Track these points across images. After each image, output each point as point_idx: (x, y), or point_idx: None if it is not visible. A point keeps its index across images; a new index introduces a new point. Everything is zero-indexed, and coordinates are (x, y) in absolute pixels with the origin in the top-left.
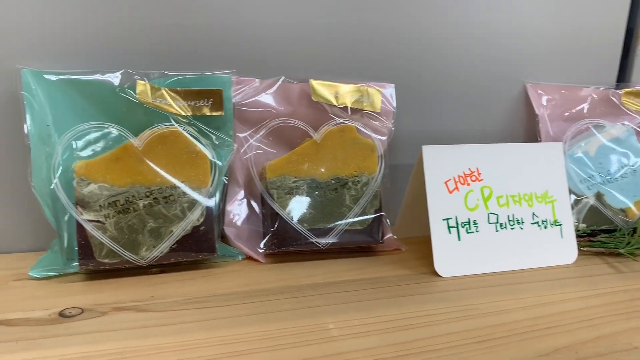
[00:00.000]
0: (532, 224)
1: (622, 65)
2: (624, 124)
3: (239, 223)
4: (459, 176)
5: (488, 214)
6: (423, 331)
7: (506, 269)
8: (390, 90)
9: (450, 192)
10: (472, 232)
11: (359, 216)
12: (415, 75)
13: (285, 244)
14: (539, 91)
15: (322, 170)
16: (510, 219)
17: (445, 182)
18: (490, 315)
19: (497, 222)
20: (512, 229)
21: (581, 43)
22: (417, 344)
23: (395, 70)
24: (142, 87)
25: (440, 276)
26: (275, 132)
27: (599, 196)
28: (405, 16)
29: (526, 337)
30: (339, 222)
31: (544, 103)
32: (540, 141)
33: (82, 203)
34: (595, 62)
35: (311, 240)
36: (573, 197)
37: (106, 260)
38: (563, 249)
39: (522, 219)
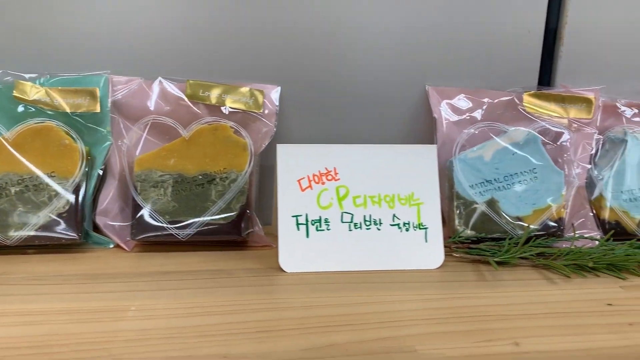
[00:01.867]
0: (392, 225)
1: (546, 67)
2: (525, 129)
3: (111, 213)
4: (314, 175)
5: (342, 213)
6: (228, 317)
7: (358, 269)
8: (275, 92)
9: (303, 190)
10: (323, 230)
11: (223, 211)
12: (310, 77)
13: (143, 234)
14: (439, 94)
15: (190, 165)
16: (367, 219)
17: (298, 180)
18: (307, 309)
19: (350, 222)
20: (367, 229)
21: (497, 45)
22: (213, 329)
23: (287, 72)
24: (22, 86)
25: (285, 271)
26: (156, 128)
27: (492, 203)
28: (299, 15)
29: (316, 331)
30: (202, 216)
31: (443, 106)
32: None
33: None
34: (512, 65)
35: (170, 231)
36: (461, 202)
37: None
38: (427, 253)
39: (380, 220)
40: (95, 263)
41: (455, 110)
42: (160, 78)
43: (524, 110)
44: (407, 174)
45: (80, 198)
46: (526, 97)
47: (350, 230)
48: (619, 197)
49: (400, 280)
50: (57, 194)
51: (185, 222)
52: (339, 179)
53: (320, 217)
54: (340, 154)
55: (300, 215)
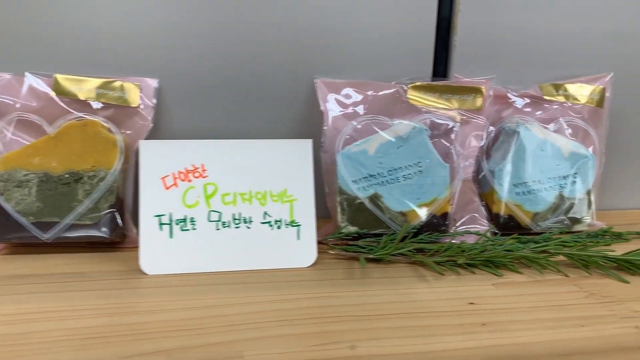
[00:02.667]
0: (263, 223)
1: (441, 57)
2: (410, 122)
3: None
4: (180, 172)
5: (209, 211)
6: (60, 323)
7: (225, 270)
8: (151, 85)
9: (167, 189)
10: (188, 230)
11: (90, 211)
12: (194, 70)
13: (6, 236)
14: (327, 87)
15: (56, 164)
16: (236, 217)
17: (162, 178)
18: (153, 314)
19: (218, 221)
20: (236, 227)
21: (388, 35)
22: (36, 336)
23: (168, 65)
24: None
25: (146, 274)
26: (25, 126)
27: (375, 197)
28: (182, 7)
29: (149, 337)
30: (68, 216)
31: (330, 99)
32: (324, 139)
33: None
34: (405, 56)
35: (33, 233)
36: (343, 197)
37: None
38: (299, 251)
39: (250, 218)
40: None
41: (341, 103)
42: (27, 73)
43: (410, 101)
44: (280, 169)
45: None
46: (410, 90)
47: (217, 229)
48: (512, 191)
49: (265, 280)
50: None
51: (50, 223)
52: (207, 176)
53: (185, 216)
54: (209, 149)
55: (164, 215)
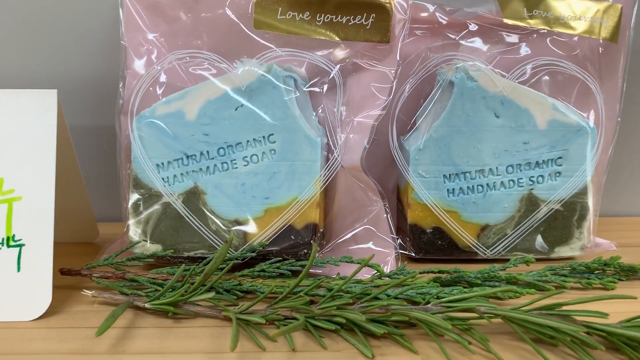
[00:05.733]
0: None
1: None
2: (259, 63)
3: None
4: None
5: None
6: None
7: None
8: None
9: None
10: None
11: None
12: None
13: None
14: (141, 7)
15: None
16: None
17: None
18: None
19: None
20: None
21: None
22: None
23: None
24: None
25: None
26: None
27: (194, 195)
28: None
29: None
30: None
31: (145, 27)
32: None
33: None
34: None
35: None
36: (142, 191)
37: None
38: (20, 291)
39: None
40: None
41: (158, 31)
42: None
43: (258, 27)
44: None
45: None
46: (258, 5)
47: None
48: (442, 187)
49: None
50: None
51: None
52: None
53: None
54: None
55: None
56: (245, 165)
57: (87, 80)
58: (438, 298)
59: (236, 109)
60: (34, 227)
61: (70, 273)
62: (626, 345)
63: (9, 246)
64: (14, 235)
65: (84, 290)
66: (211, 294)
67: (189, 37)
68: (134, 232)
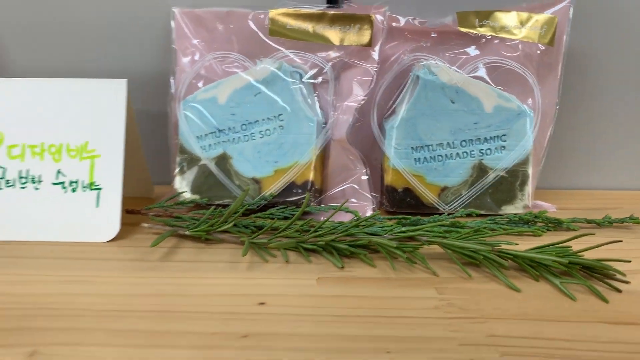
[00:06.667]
0: (55, 184)
1: None
2: (272, 61)
3: None
4: None
5: None
6: None
7: (8, 239)
8: None
9: None
10: None
11: None
12: (34, 4)
13: None
14: (186, 18)
15: None
16: (23, 175)
17: None
18: None
19: (2, 178)
20: (22, 188)
21: None
22: None
23: None
24: None
25: None
26: None
27: (223, 159)
28: None
29: None
30: None
31: (188, 34)
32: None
33: None
34: None
35: None
36: (184, 157)
37: None
38: (98, 221)
39: (39, 177)
40: None
41: (199, 37)
42: None
43: (273, 35)
44: (82, 117)
45: None
46: (272, 18)
47: (0, 188)
48: (410, 156)
49: (51, 256)
50: None
51: None
52: None
53: None
54: None
55: None
56: (261, 137)
57: (147, 74)
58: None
59: (255, 95)
60: (108, 177)
61: (133, 212)
62: (529, 266)
63: (91, 189)
64: (95, 182)
65: (143, 224)
66: (231, 225)
67: (222, 42)
68: (179, 185)
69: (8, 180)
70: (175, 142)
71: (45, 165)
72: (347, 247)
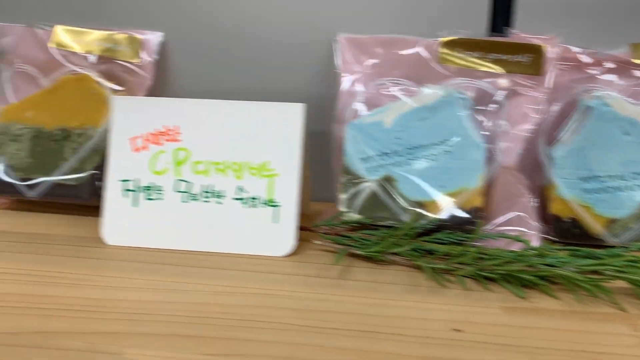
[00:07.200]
0: (236, 199)
1: (503, 9)
2: (442, 88)
3: None
4: (151, 134)
5: (177, 180)
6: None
7: (189, 248)
8: (155, 39)
9: (136, 151)
10: (153, 199)
11: (74, 171)
12: (201, 23)
13: None
14: (350, 44)
15: (49, 119)
16: (207, 190)
17: (132, 139)
18: (98, 289)
19: (186, 192)
20: (205, 201)
21: None
22: None
23: (173, 18)
24: None
25: (106, 243)
26: (25, 78)
27: (387, 181)
28: None
29: (27, 314)
30: (52, 175)
31: (350, 59)
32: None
33: None
34: (453, 5)
35: (20, 190)
36: (348, 178)
37: None
38: (275, 236)
39: (222, 192)
40: None
41: (362, 63)
42: (31, 24)
43: (442, 62)
44: (263, 138)
45: None
46: (444, 46)
47: (184, 202)
48: (579, 186)
49: (227, 267)
50: None
51: (35, 181)
52: (179, 140)
53: (152, 184)
54: (185, 110)
55: (129, 180)
56: (426, 162)
57: (312, 96)
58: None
59: (422, 120)
60: (286, 194)
61: (303, 229)
62: None
63: (269, 205)
64: (273, 199)
65: (314, 240)
66: (407, 248)
67: (386, 68)
68: (344, 204)
69: (193, 194)
70: (339, 162)
71: (228, 181)
72: (532, 277)
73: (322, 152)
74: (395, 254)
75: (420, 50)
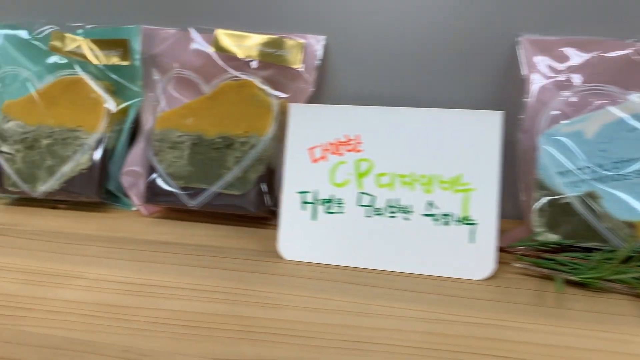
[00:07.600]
0: (426, 215)
1: None
2: None
3: (137, 173)
4: (331, 144)
5: (359, 193)
6: (163, 302)
7: (373, 267)
8: (317, 43)
9: (315, 162)
10: (334, 213)
11: (238, 181)
12: (366, 25)
13: (155, 199)
14: (534, 46)
15: (210, 126)
16: (392, 205)
17: (310, 149)
18: (275, 309)
19: (370, 206)
20: (391, 217)
21: None
22: (124, 312)
23: (335, 21)
24: (59, 37)
25: (284, 258)
26: (184, 84)
27: (591, 198)
28: None
29: (242, 337)
30: (215, 184)
31: (539, 63)
32: (524, 115)
33: (1, 137)
34: None
35: (181, 199)
36: (544, 193)
37: (11, 189)
38: (471, 257)
39: (410, 207)
40: (106, 225)
41: (552, 68)
42: (191, 29)
43: None
44: (456, 149)
45: (104, 156)
46: None
47: (367, 216)
48: None
49: (419, 290)
50: (81, 149)
51: (196, 190)
52: (361, 150)
53: (332, 196)
54: (367, 118)
55: (308, 192)
56: (637, 177)
57: (494, 104)
58: None
59: (630, 132)
60: (484, 212)
61: (501, 250)
62: None
63: (464, 223)
64: (469, 216)
65: (514, 263)
66: (628, 275)
67: (588, 73)
68: (538, 223)
69: (377, 209)
70: (528, 176)
71: (416, 195)
72: None
73: (503, 164)
74: (615, 280)
75: (628, 52)
